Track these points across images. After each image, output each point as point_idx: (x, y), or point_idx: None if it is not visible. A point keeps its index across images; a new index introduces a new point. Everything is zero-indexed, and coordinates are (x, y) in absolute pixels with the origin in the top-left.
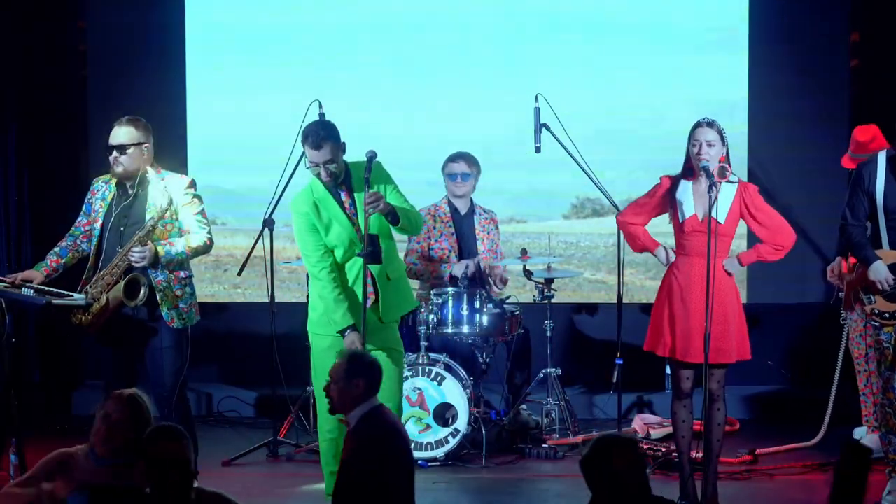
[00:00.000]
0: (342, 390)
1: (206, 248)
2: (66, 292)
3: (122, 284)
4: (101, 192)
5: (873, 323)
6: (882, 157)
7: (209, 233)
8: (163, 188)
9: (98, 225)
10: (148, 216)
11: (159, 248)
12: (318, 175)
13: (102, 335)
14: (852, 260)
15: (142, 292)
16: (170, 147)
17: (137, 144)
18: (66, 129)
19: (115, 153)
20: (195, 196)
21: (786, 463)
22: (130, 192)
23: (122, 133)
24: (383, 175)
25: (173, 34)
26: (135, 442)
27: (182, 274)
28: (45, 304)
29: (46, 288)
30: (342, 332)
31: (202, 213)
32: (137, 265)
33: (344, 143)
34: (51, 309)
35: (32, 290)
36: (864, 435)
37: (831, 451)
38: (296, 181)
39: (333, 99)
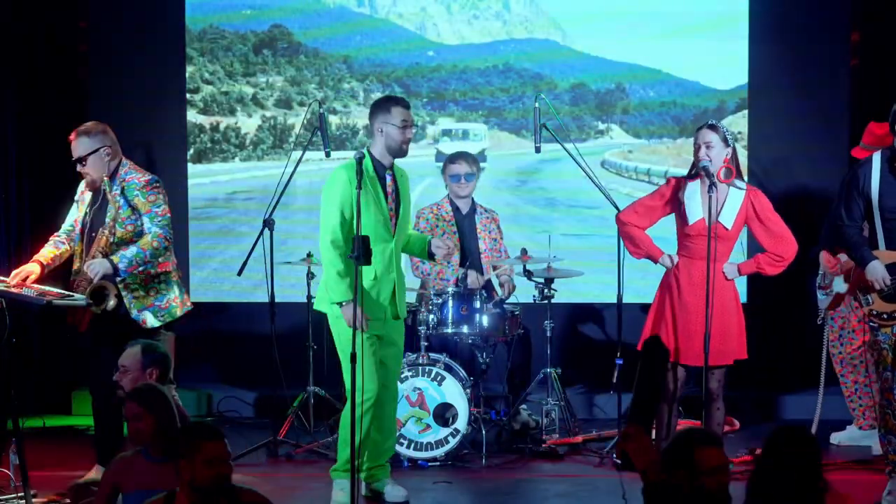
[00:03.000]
0: (136, 380)
1: (162, 245)
2: (67, 292)
3: (88, 292)
4: (83, 194)
5: (871, 324)
6: (877, 157)
7: (163, 229)
8: (119, 191)
9: (79, 229)
10: (108, 219)
11: (113, 258)
12: (404, 138)
13: (92, 336)
14: (838, 251)
15: (109, 299)
16: (169, 147)
17: (94, 152)
18: (67, 129)
19: (78, 167)
20: (151, 194)
21: None
22: (98, 196)
23: (75, 147)
24: (407, 189)
25: (173, 34)
26: (169, 432)
27: (154, 272)
28: (46, 304)
29: (47, 288)
30: (341, 304)
31: (159, 210)
32: (96, 278)
33: None
34: (51, 309)
35: (33, 291)
36: (846, 437)
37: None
38: (296, 181)
39: (334, 98)
